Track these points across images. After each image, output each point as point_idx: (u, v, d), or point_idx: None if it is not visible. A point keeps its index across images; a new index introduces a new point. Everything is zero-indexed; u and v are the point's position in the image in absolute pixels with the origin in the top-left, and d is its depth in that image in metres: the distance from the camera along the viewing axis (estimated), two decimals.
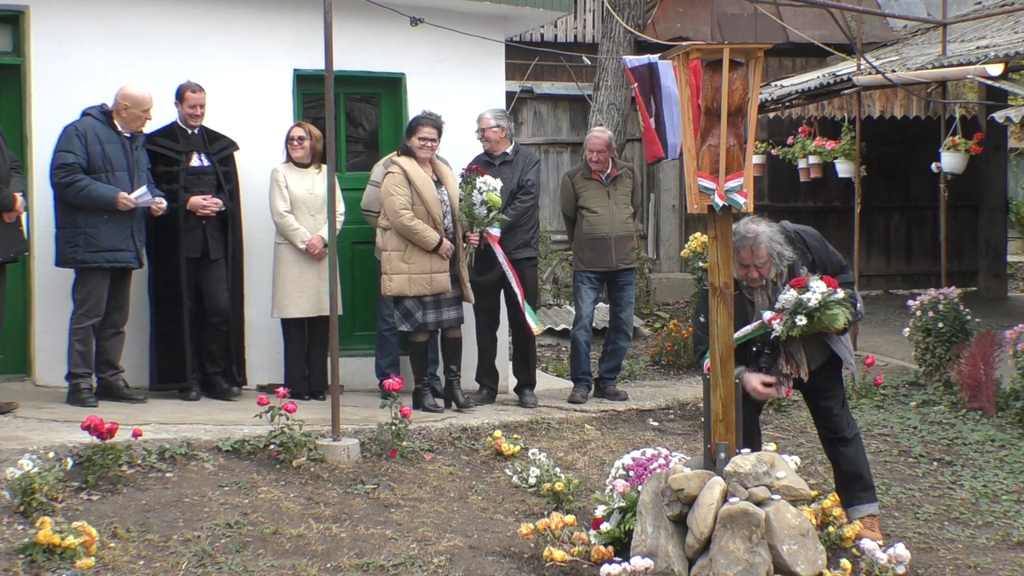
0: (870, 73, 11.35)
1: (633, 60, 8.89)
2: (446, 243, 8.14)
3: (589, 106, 14.81)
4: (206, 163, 8.20)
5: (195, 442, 6.74)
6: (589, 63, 13.06)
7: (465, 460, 7.39)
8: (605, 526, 5.87)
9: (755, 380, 5.86)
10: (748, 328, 5.86)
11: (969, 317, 9.35)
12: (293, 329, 8.45)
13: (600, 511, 6.00)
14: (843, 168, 12.66)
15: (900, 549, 5.56)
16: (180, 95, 8.11)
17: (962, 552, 6.10)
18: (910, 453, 7.79)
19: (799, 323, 5.71)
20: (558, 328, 12.40)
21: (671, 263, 15.46)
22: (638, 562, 5.31)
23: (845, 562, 5.48)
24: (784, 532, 5.27)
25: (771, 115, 14.87)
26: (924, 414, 8.67)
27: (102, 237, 7.61)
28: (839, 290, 5.76)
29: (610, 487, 6.13)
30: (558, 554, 5.63)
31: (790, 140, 13.87)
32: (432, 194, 8.13)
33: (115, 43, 8.25)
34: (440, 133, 8.25)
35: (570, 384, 9.32)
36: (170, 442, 6.65)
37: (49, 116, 7.96)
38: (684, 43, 5.74)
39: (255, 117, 8.59)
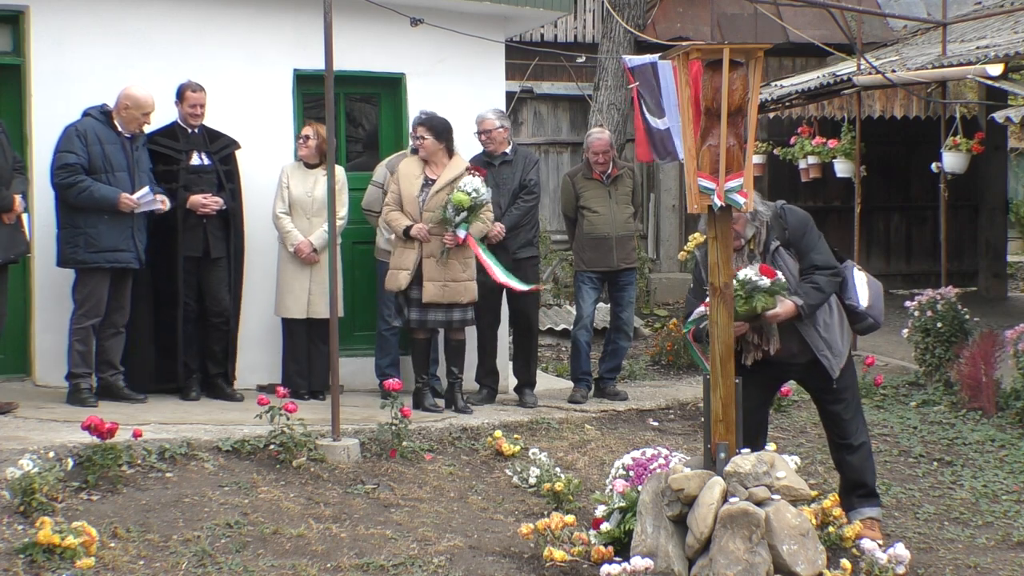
0: (870, 73, 11.35)
1: (634, 59, 8.89)
2: (418, 225, 8.05)
3: (589, 106, 14.81)
4: (206, 162, 8.21)
5: (195, 442, 6.74)
6: (584, 60, 13.06)
7: (465, 460, 7.39)
8: (605, 526, 5.87)
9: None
10: (700, 309, 5.86)
11: (968, 317, 9.35)
12: (291, 328, 8.47)
13: (600, 511, 6.00)
14: (843, 168, 12.65)
15: (900, 549, 5.56)
16: (180, 95, 8.12)
17: (962, 552, 6.10)
18: (910, 453, 7.79)
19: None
20: (558, 328, 12.40)
21: (671, 263, 15.45)
22: (638, 562, 5.31)
23: (845, 562, 5.48)
24: (784, 532, 5.27)
25: (771, 115, 14.86)
26: (924, 414, 8.67)
27: (102, 237, 7.61)
28: (765, 279, 5.71)
29: (610, 487, 6.12)
30: (558, 554, 5.63)
31: (792, 140, 13.86)
32: (410, 192, 8.12)
33: (115, 43, 8.24)
34: (436, 133, 8.19)
35: (570, 384, 9.32)
36: (170, 442, 6.65)
37: (49, 116, 7.96)
38: (684, 43, 5.74)
39: (255, 117, 8.59)
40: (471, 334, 8.61)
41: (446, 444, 7.57)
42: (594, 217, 9.00)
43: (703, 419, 5.72)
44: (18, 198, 7.36)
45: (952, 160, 10.94)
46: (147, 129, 7.95)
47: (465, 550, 5.90)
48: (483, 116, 8.77)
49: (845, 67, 12.90)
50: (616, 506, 5.93)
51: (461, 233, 8.03)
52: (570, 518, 5.87)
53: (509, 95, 12.51)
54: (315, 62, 7.61)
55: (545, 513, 6.25)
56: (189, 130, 8.18)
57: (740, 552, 5.19)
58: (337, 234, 8.04)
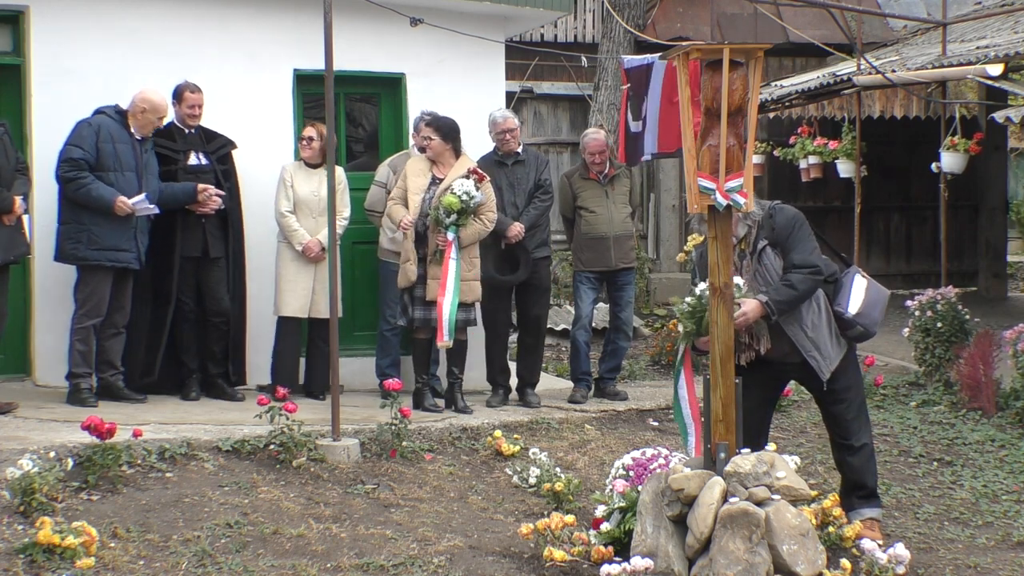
0: (870, 73, 11.35)
1: (632, 60, 8.90)
2: (405, 218, 8.07)
3: (589, 106, 14.81)
4: (204, 162, 8.21)
5: (195, 442, 6.74)
6: (587, 63, 13.05)
7: (465, 460, 7.39)
8: (605, 526, 5.87)
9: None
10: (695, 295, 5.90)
11: (968, 317, 9.34)
12: (287, 327, 8.44)
13: (600, 511, 6.00)
14: (843, 168, 12.65)
15: (900, 549, 5.55)
16: (178, 95, 8.12)
17: (962, 552, 6.10)
18: (910, 453, 7.79)
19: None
20: (558, 328, 12.40)
21: (671, 263, 15.44)
22: (638, 562, 5.31)
23: (845, 562, 5.47)
24: (784, 532, 5.26)
25: (771, 115, 14.86)
26: (924, 414, 8.67)
27: (105, 236, 7.62)
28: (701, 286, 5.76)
29: (610, 487, 6.12)
30: (558, 554, 5.63)
31: (792, 140, 13.86)
32: (416, 189, 8.13)
33: (115, 43, 8.25)
34: (443, 134, 8.19)
35: (570, 384, 9.32)
36: (170, 442, 6.65)
37: (49, 116, 7.97)
38: (684, 43, 5.74)
39: (255, 117, 8.59)
40: (471, 334, 8.61)
41: (446, 444, 7.57)
42: (591, 217, 9.01)
43: (703, 419, 5.72)
44: (18, 200, 7.36)
45: (951, 160, 10.95)
46: None
47: (465, 550, 5.90)
48: (504, 116, 8.79)
49: (845, 67, 12.90)
50: (616, 506, 5.93)
51: (450, 236, 8.03)
52: (570, 518, 5.87)
53: (509, 95, 12.49)
54: (315, 62, 7.61)
55: (545, 513, 6.25)
56: (186, 130, 8.19)
57: (740, 552, 5.19)
58: (338, 235, 8.05)
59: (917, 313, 9.42)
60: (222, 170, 8.27)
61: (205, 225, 8.13)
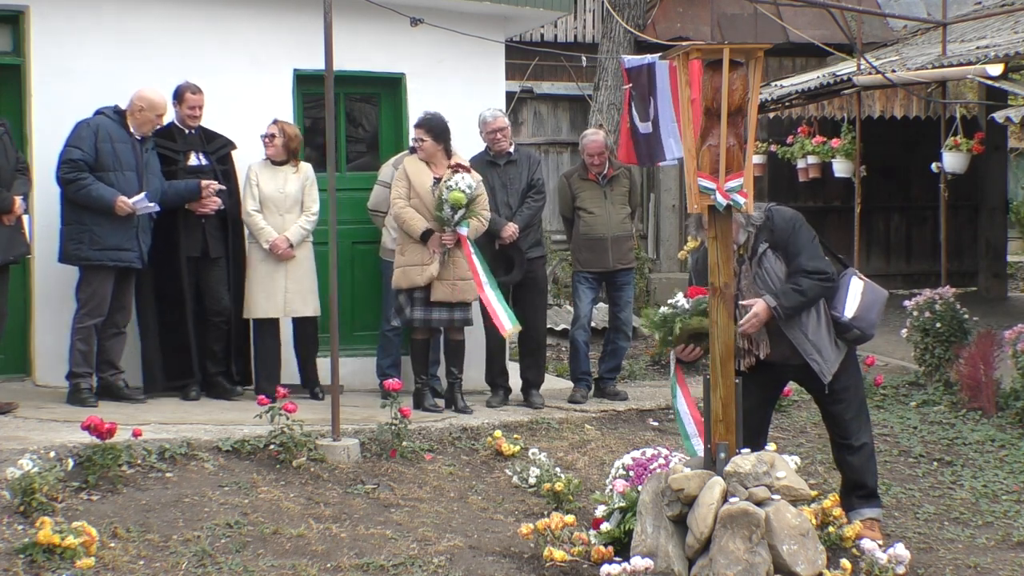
0: (870, 73, 11.35)
1: (632, 60, 8.89)
2: (437, 235, 8.05)
3: (589, 106, 14.81)
4: (204, 162, 8.22)
5: (195, 442, 6.74)
6: (587, 63, 13.06)
7: (465, 460, 7.39)
8: (605, 526, 5.87)
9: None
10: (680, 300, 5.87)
11: (968, 317, 9.34)
12: (264, 328, 8.33)
13: (600, 511, 6.00)
14: (842, 168, 12.64)
15: (900, 549, 5.56)
16: (179, 96, 8.12)
17: (962, 552, 6.10)
18: (910, 453, 7.79)
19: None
20: (558, 328, 12.40)
21: (671, 263, 15.44)
22: (638, 562, 5.31)
23: (845, 562, 5.48)
24: (784, 532, 5.27)
25: (771, 115, 14.86)
26: (924, 414, 8.67)
27: (107, 236, 7.62)
28: (684, 301, 5.75)
29: (610, 487, 6.12)
30: (558, 554, 5.63)
31: (790, 139, 13.86)
32: (423, 186, 8.12)
33: (115, 43, 8.25)
34: (435, 135, 8.18)
35: (570, 384, 9.32)
36: (170, 442, 6.65)
37: (49, 116, 7.98)
38: (684, 43, 5.74)
39: (255, 117, 8.57)
40: (471, 334, 8.61)
41: (446, 444, 7.57)
42: (590, 218, 9.02)
43: (703, 419, 5.72)
44: (18, 200, 7.36)
45: (952, 160, 10.94)
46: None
47: (465, 550, 5.90)
48: (494, 115, 8.76)
49: (845, 67, 12.89)
50: (616, 506, 5.93)
51: (463, 231, 8.02)
52: (570, 518, 5.87)
53: (509, 95, 12.51)
54: (315, 62, 7.61)
55: (545, 513, 6.25)
56: (186, 131, 8.19)
57: (740, 552, 5.19)
58: (307, 231, 8.23)
59: (915, 313, 9.42)
60: (222, 170, 8.28)
61: (205, 225, 8.13)
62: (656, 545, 5.47)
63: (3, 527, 5.48)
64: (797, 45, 14.83)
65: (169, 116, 8.12)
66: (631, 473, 6.10)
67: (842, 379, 6.09)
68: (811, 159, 13.31)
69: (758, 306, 5.80)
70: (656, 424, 8.49)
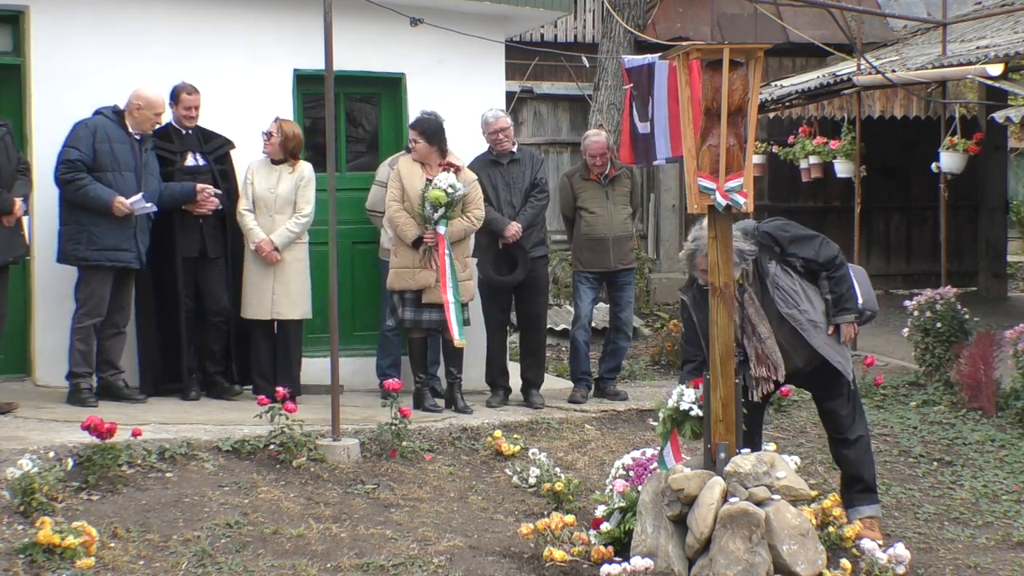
0: (870, 73, 11.35)
1: (632, 60, 8.90)
2: (428, 240, 8.04)
3: (589, 106, 14.80)
4: (201, 162, 8.21)
5: (195, 442, 6.74)
6: (588, 64, 13.05)
7: (465, 460, 7.39)
8: (605, 526, 5.87)
9: None
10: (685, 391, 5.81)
11: (968, 317, 9.34)
12: (256, 329, 8.29)
13: (600, 511, 6.00)
14: (843, 168, 12.65)
15: (900, 549, 5.56)
16: (175, 96, 8.11)
17: (962, 552, 6.10)
18: (910, 453, 7.79)
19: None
20: (558, 328, 12.41)
21: (671, 263, 15.44)
22: (638, 562, 5.31)
23: (845, 562, 5.48)
24: (784, 532, 5.27)
25: (771, 115, 14.86)
26: (924, 414, 8.67)
27: (105, 236, 7.62)
28: (696, 408, 5.69)
29: (610, 487, 6.13)
30: (558, 554, 5.64)
31: (791, 140, 13.86)
32: (414, 189, 8.11)
33: (115, 43, 8.24)
34: (427, 137, 8.15)
35: (570, 384, 9.32)
36: (170, 442, 6.65)
37: (49, 116, 7.97)
38: (684, 43, 5.75)
39: (255, 117, 8.56)
40: (471, 334, 8.60)
41: (446, 444, 7.57)
42: (591, 218, 9.01)
43: (703, 419, 5.72)
44: (18, 201, 7.36)
45: (950, 160, 10.94)
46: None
47: (465, 550, 5.90)
48: (496, 115, 8.74)
49: (845, 67, 12.89)
50: (616, 506, 5.93)
51: (441, 230, 8.01)
52: (570, 518, 5.87)
53: (509, 95, 12.50)
54: (315, 62, 7.61)
55: (545, 513, 6.25)
56: (184, 131, 8.18)
57: (740, 552, 5.19)
58: (296, 232, 8.13)
59: (916, 313, 9.42)
60: (220, 170, 8.27)
61: (203, 225, 8.12)
62: (656, 545, 5.47)
63: (3, 527, 5.48)
64: (797, 45, 14.83)
65: (167, 116, 8.12)
66: (631, 473, 6.10)
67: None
68: (813, 159, 13.31)
69: (845, 329, 5.97)
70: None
